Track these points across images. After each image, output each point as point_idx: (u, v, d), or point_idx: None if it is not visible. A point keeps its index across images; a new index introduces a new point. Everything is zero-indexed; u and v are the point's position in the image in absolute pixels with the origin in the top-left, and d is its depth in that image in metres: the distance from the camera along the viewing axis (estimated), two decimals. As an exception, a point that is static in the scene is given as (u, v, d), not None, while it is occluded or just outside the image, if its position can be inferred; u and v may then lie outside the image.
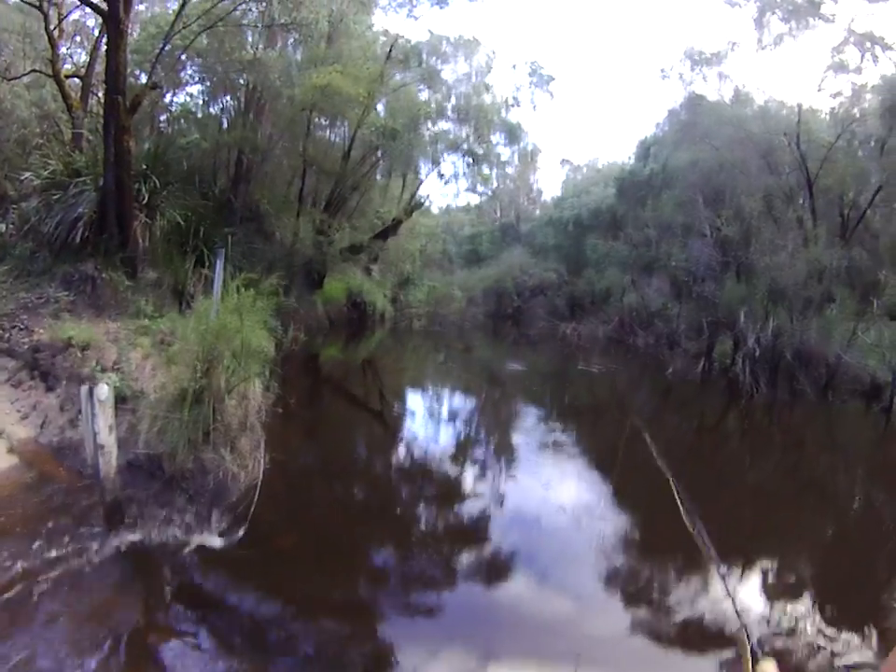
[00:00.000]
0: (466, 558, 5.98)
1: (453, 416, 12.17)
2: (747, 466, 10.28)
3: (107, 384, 5.79)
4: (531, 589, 5.51)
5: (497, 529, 6.66)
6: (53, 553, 5.05)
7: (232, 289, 7.13)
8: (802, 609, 5.46)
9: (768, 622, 5.11)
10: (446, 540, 6.40)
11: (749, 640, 1.77)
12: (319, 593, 5.12)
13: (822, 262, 17.55)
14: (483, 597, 5.33)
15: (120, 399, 6.86)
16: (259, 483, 6.55)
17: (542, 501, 7.61)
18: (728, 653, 4.46)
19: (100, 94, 12.29)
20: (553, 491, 8.02)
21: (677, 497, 4.28)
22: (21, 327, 9.24)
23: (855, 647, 4.82)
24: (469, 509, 7.20)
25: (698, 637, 4.85)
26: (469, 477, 8.38)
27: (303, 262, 18.63)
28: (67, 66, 17.45)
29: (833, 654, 4.69)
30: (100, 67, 13.58)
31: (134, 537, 5.47)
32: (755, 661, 1.70)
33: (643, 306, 25.61)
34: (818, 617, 5.28)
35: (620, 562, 6.20)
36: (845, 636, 4.97)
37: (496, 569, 5.75)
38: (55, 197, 11.47)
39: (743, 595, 5.54)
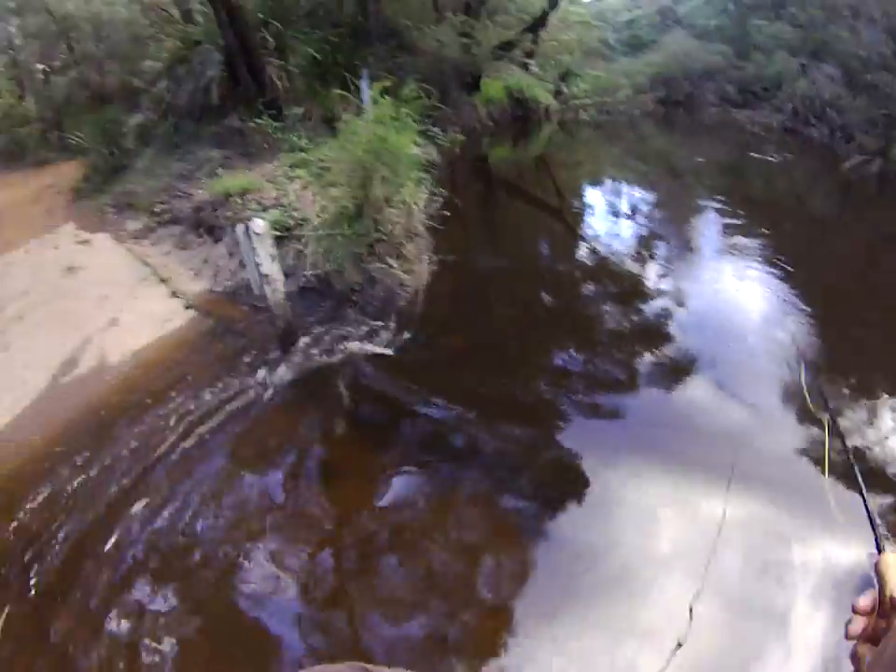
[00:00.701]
0: (646, 361, 5.67)
1: (632, 211, 11.15)
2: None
3: (263, 218, 5.96)
4: (707, 396, 5.21)
5: (679, 332, 6.20)
6: (237, 387, 5.46)
7: (373, 100, 7.11)
8: None
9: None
10: (626, 342, 6.04)
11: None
12: (496, 392, 5.04)
13: None
14: (661, 402, 5.13)
15: (285, 230, 7.00)
16: (426, 286, 6.66)
17: (726, 304, 6.95)
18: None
19: None
20: (736, 294, 7.22)
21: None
22: (181, 194, 9.54)
23: None
24: (651, 309, 6.70)
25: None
26: (650, 276, 7.68)
27: (453, 67, 17.63)
28: None
29: None
30: None
31: (310, 355, 5.78)
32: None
33: (816, 94, 22.59)
34: None
35: (799, 379, 5.35)
36: None
37: (674, 374, 5.47)
38: (181, 71, 11.81)
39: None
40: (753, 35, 30.67)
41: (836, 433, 4.41)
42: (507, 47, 20.21)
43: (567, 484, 4.07)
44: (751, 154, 17.56)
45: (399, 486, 4.12)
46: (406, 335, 5.82)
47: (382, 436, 4.58)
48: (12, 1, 19.93)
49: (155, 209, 9.74)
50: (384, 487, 4.12)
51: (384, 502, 4.01)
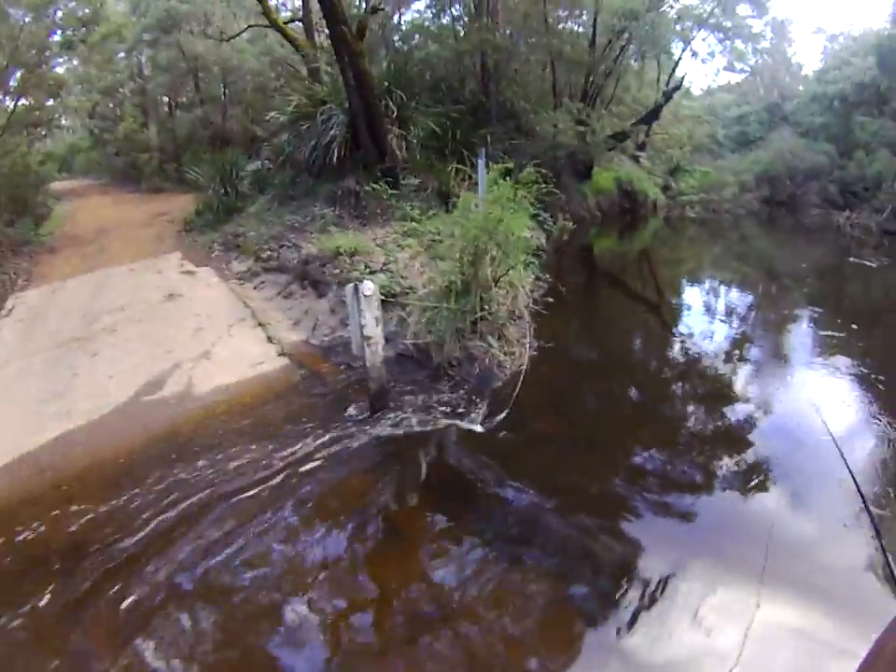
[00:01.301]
0: (724, 466, 5.50)
1: (728, 313, 11.10)
2: None
3: (373, 281, 6.07)
4: (782, 507, 4.96)
5: (761, 440, 5.98)
6: (319, 441, 5.52)
7: (492, 180, 7.09)
8: None
9: None
10: (707, 445, 5.88)
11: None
12: (575, 483, 5.05)
13: None
14: (735, 508, 4.95)
15: (390, 296, 7.18)
16: (525, 370, 6.63)
17: (810, 417, 6.56)
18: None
19: (325, 30, 12.54)
20: (822, 406, 6.80)
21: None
22: (289, 245, 9.87)
23: None
24: (735, 414, 6.51)
25: None
26: (739, 380, 7.52)
27: (567, 154, 17.94)
28: (285, 14, 18.31)
29: None
30: (316, 6, 13.82)
31: (398, 422, 5.75)
32: None
33: None
34: None
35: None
36: None
37: (750, 482, 5.25)
38: (304, 126, 12.33)
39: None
40: (857, 132, 30.53)
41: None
42: (620, 137, 20.44)
43: (626, 580, 4.01)
44: (850, 259, 17.35)
45: (460, 562, 4.13)
46: (497, 416, 5.82)
47: (454, 510, 4.60)
48: (148, 33, 21.10)
49: (262, 255, 10.10)
50: (444, 561, 4.14)
51: (441, 576, 4.02)
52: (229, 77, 22.26)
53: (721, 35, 22.13)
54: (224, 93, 23.10)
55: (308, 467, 5.15)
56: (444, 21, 19.75)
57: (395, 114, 12.13)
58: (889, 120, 27.29)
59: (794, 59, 45.62)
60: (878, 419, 6.47)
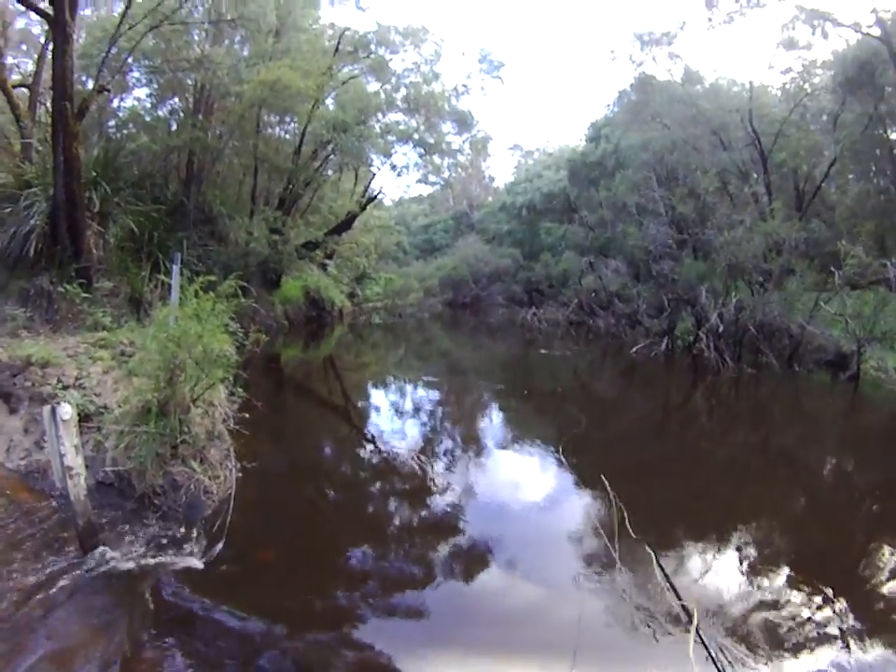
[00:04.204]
0: (441, 553, 5.96)
1: (416, 410, 12.16)
2: (717, 441, 10.56)
3: (69, 402, 5.71)
4: (505, 580, 5.57)
5: (468, 521, 6.64)
6: (25, 584, 4.85)
7: (190, 294, 6.94)
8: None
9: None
10: (421, 537, 6.37)
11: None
12: (303, 604, 5.05)
13: (780, 235, 18.02)
14: (461, 592, 5.36)
15: (84, 417, 6.73)
16: (233, 494, 6.47)
17: (510, 491, 7.72)
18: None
19: (48, 103, 12.04)
20: (519, 481, 8.15)
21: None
22: None
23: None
24: (439, 502, 7.18)
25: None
26: (436, 471, 8.27)
27: (259, 262, 18.35)
28: (14, 77, 17.26)
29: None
30: (47, 75, 13.32)
31: (109, 562, 5.24)
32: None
33: (602, 287, 25.89)
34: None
35: (590, 546, 6.20)
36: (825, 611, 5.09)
37: (470, 562, 5.78)
38: (7, 210, 11.31)
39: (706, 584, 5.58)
40: (543, 237, 34.45)
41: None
42: (311, 246, 21.35)
43: None
44: (540, 351, 19.91)
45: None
46: (214, 547, 5.62)
47: (186, 651, 4.36)
48: None
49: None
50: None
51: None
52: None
53: (422, 150, 23.41)
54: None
55: (23, 612, 4.49)
56: (161, 113, 19.59)
57: (97, 208, 11.75)
58: (575, 226, 30.96)
59: (488, 172, 50.78)
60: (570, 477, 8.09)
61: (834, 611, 5.03)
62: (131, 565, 5.29)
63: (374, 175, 25.70)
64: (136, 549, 5.53)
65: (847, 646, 4.54)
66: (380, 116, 21.88)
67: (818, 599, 5.23)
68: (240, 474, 6.95)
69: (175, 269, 8.85)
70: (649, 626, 4.72)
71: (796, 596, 5.30)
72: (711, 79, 27.23)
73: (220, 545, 5.65)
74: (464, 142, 27.12)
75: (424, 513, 6.97)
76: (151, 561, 5.37)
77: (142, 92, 19.57)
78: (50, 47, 12.31)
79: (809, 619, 4.94)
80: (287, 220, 19.43)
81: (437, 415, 11.87)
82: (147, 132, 18.36)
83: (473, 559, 5.85)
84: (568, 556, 6.01)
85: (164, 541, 5.70)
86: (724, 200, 22.70)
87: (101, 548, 5.35)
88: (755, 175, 24.09)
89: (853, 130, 22.31)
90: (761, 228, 18.48)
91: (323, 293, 23.21)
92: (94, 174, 12.16)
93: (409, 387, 14.74)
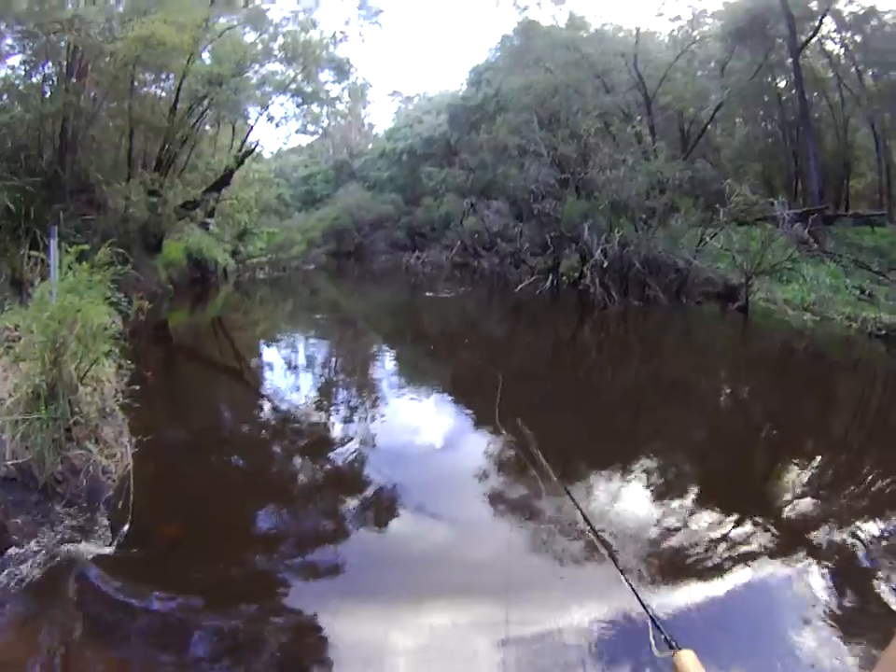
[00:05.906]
0: (352, 504, 5.96)
1: (309, 363, 12.18)
2: (612, 374, 11.06)
3: None
4: (420, 524, 5.71)
5: (375, 470, 6.68)
6: None
7: (65, 267, 6.75)
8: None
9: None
10: (330, 490, 6.36)
11: (661, 631, 1.82)
12: (221, 576, 4.93)
13: (664, 174, 18.59)
14: (379, 541, 5.40)
15: None
16: (131, 472, 6.17)
17: (411, 436, 7.88)
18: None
19: None
20: (418, 426, 8.26)
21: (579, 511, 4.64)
22: None
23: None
24: (344, 454, 7.15)
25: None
26: (337, 423, 8.32)
27: (139, 227, 17.61)
28: None
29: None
30: None
31: (25, 559, 4.97)
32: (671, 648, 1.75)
33: (484, 228, 26.32)
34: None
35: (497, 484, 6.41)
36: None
37: (382, 511, 5.84)
38: None
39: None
40: (424, 182, 34.42)
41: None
42: (191, 206, 20.66)
43: (308, 647, 4.18)
44: (427, 294, 20.14)
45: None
46: (120, 530, 5.42)
47: (118, 636, 4.26)
48: None
49: None
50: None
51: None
52: None
53: (300, 100, 23.17)
54: None
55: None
56: (35, 80, 18.07)
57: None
58: (456, 169, 31.23)
59: (367, 119, 50.08)
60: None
61: (745, 530, 5.30)
62: (43, 560, 5.04)
63: (252, 127, 25.09)
64: (46, 542, 5.27)
65: (759, 561, 4.81)
66: (257, 67, 21.17)
67: (729, 519, 5.49)
68: (136, 449, 6.64)
69: (53, 243, 8.41)
70: (570, 559, 4.86)
71: (707, 518, 5.58)
72: (597, 25, 27.63)
73: (126, 526, 5.46)
74: (343, 90, 26.81)
75: (329, 467, 6.94)
76: (63, 553, 5.14)
77: (16, 60, 18.16)
78: None
79: (722, 538, 5.17)
80: (164, 181, 18.68)
81: (330, 367, 11.95)
82: (21, 101, 17.03)
83: (384, 507, 5.90)
84: (478, 495, 6.11)
85: (71, 531, 5.46)
86: (608, 141, 23.09)
87: (11, 549, 5.09)
88: (639, 118, 24.69)
89: (741, 77, 23.40)
90: (644, 167, 19.06)
91: (206, 253, 22.45)
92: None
93: (298, 341, 14.77)
